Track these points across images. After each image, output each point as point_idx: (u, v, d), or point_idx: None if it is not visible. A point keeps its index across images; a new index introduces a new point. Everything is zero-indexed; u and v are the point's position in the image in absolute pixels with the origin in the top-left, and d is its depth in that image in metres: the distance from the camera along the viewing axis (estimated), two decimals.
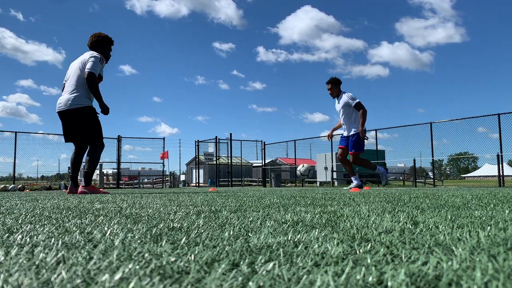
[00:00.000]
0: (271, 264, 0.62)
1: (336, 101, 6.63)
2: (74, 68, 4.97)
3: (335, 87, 6.52)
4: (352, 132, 6.44)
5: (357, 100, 6.35)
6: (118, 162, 17.75)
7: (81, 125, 4.87)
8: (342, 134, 6.69)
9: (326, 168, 19.89)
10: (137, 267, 0.61)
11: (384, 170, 6.73)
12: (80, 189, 4.97)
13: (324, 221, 1.26)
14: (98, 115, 5.05)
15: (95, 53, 4.95)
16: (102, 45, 5.12)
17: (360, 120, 6.36)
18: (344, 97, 6.42)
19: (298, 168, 7.63)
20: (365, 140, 6.44)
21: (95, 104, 5.05)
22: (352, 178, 6.67)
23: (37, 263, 0.66)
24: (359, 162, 6.50)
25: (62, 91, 5.04)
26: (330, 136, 7.18)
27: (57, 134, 17.83)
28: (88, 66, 4.81)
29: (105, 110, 5.00)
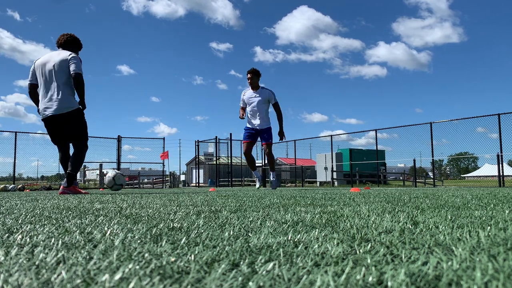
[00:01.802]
0: (271, 264, 0.62)
1: (250, 92, 6.64)
2: (51, 68, 4.81)
3: (256, 78, 6.59)
4: (266, 126, 6.59)
5: (277, 100, 6.63)
6: (118, 162, 17.74)
7: (75, 126, 4.90)
8: (247, 127, 6.71)
9: (326, 168, 19.89)
10: (137, 267, 0.61)
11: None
12: (61, 189, 4.96)
13: (324, 221, 1.26)
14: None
15: (73, 53, 4.89)
16: (72, 45, 5.06)
17: (279, 122, 6.70)
18: (267, 92, 6.56)
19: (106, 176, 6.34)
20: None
21: None
22: (255, 173, 6.88)
23: (37, 263, 0.66)
24: (271, 153, 6.63)
25: (38, 94, 4.91)
26: (243, 115, 6.93)
27: None
28: (74, 67, 4.75)
29: (84, 106, 5.01)
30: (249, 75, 6.61)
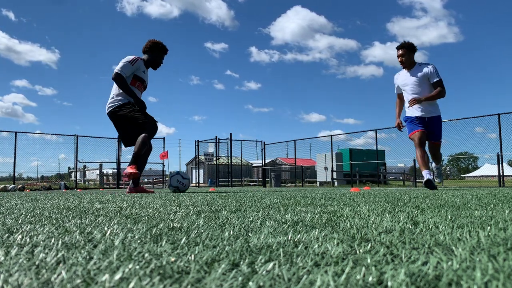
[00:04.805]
0: (271, 264, 0.62)
1: (404, 72, 5.09)
2: None
3: (410, 53, 4.99)
4: (434, 115, 4.96)
5: (441, 77, 4.91)
6: (118, 162, 17.75)
7: (127, 123, 5.00)
8: (408, 116, 5.06)
9: (326, 168, 19.88)
10: (137, 267, 0.61)
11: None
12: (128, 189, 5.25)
13: (324, 221, 1.26)
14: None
15: (127, 56, 5.05)
16: (151, 50, 5.22)
17: (431, 95, 4.89)
18: (426, 69, 4.93)
19: None
20: None
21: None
22: (429, 172, 4.85)
23: (37, 263, 0.66)
24: (439, 154, 5.26)
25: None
26: (401, 125, 5.50)
27: (56, 134, 17.87)
28: (116, 67, 4.92)
29: (140, 105, 5.03)
30: (399, 51, 4.98)
